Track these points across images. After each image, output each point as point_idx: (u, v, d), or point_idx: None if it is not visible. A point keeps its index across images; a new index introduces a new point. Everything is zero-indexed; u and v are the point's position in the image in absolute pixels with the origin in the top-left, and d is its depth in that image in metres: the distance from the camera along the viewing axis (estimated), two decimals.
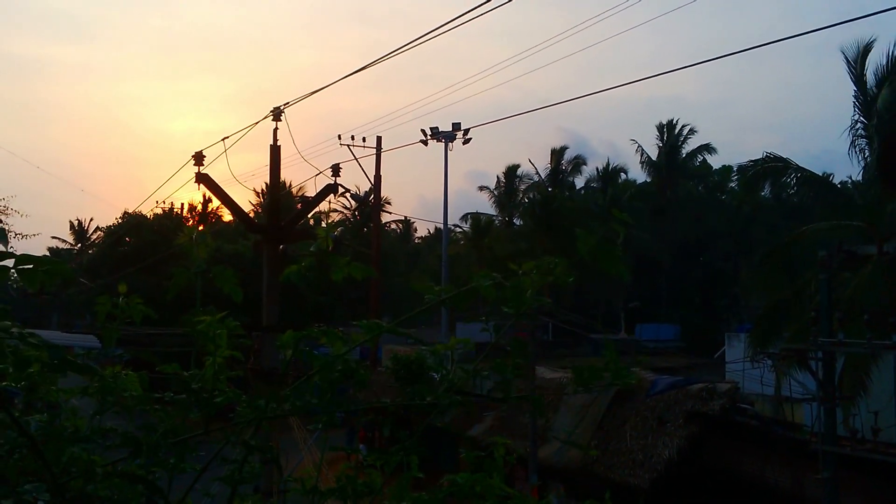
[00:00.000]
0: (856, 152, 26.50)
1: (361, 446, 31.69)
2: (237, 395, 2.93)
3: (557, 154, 74.24)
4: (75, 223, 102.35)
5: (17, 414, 2.58)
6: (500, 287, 2.82)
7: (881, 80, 25.92)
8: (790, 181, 28.30)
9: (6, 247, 2.38)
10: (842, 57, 26.69)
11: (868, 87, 26.42)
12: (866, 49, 26.39)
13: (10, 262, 2.35)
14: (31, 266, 2.40)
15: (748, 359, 25.96)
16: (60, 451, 2.62)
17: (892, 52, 25.72)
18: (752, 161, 29.17)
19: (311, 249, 3.08)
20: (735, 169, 75.27)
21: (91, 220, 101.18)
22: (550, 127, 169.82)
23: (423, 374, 33.30)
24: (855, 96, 26.57)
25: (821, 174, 31.87)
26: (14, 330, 2.37)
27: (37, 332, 2.46)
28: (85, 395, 3.02)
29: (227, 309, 3.03)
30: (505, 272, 2.87)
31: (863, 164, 26.57)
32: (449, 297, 2.93)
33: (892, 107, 24.74)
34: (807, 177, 27.80)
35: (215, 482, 2.90)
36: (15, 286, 76.36)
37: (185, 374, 2.98)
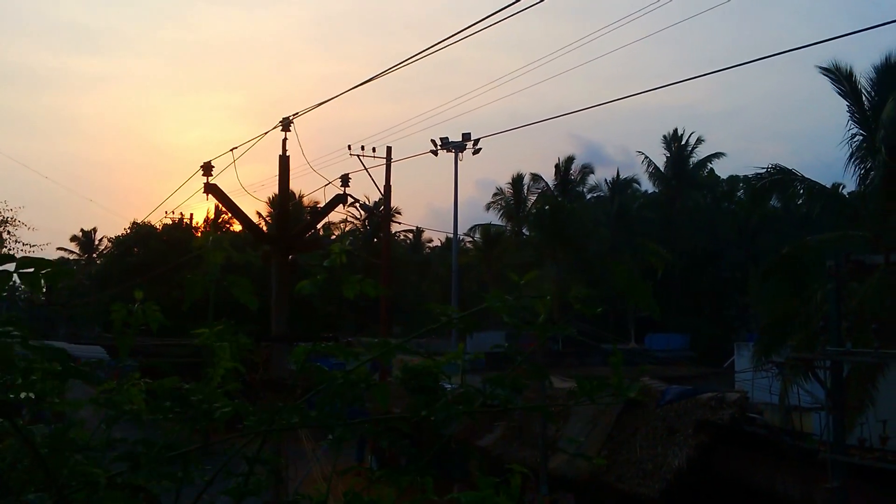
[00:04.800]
0: (855, 164, 26.64)
1: (371, 457, 31.69)
2: (244, 407, 2.90)
3: (566, 163, 74.15)
4: (80, 234, 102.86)
5: (21, 423, 2.59)
6: (514, 309, 2.90)
7: (884, 90, 26.07)
8: (798, 191, 28.36)
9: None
10: (825, 77, 27.02)
11: (867, 97, 26.60)
12: (848, 70, 26.68)
13: (11, 266, 2.33)
14: (32, 270, 2.39)
15: (754, 368, 25.98)
16: (64, 461, 2.61)
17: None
18: (757, 173, 29.27)
19: (325, 264, 3.07)
20: (742, 179, 75.48)
21: (95, 229, 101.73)
22: (563, 135, 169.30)
23: (435, 383, 33.28)
24: (849, 110, 26.72)
25: (829, 185, 32.06)
26: (16, 333, 2.36)
27: (44, 342, 2.47)
28: (94, 403, 3.00)
29: (238, 318, 3.00)
30: (515, 284, 2.93)
31: (861, 175, 26.70)
32: (459, 319, 2.98)
33: None
34: (812, 188, 27.84)
35: (221, 496, 2.87)
36: (22, 297, 76.71)
37: (185, 386, 2.96)
